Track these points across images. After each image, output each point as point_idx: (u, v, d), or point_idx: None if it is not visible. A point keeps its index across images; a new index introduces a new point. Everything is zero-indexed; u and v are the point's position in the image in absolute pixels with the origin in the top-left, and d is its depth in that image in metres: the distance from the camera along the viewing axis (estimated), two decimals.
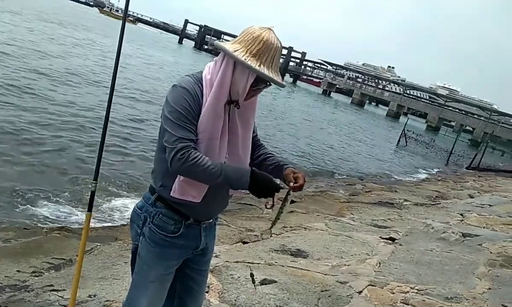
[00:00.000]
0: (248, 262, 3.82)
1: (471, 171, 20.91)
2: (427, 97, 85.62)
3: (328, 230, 5.49)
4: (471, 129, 62.81)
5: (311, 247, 4.60)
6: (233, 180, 1.59)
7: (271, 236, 4.94)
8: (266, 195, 1.63)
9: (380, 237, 5.29)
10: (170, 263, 1.75)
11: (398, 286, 3.57)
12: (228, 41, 1.71)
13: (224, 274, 3.44)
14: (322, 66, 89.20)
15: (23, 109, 8.64)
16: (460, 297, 3.48)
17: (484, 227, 6.36)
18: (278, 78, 1.59)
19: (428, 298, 3.40)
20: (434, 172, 17.63)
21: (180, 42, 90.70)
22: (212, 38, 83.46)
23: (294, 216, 6.18)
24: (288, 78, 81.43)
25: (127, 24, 2.14)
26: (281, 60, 1.65)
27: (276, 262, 3.92)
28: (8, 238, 4.14)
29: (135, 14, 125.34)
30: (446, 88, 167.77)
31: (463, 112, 70.07)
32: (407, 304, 3.29)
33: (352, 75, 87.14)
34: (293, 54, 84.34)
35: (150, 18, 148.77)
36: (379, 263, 4.17)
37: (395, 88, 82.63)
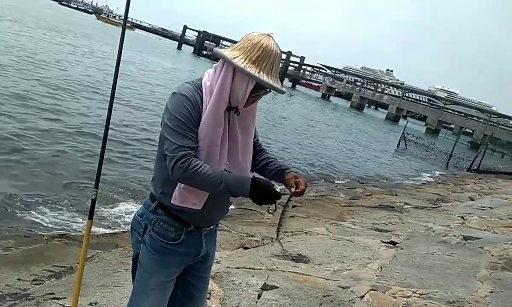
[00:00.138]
0: (249, 268, 3.81)
1: (471, 173, 20.92)
2: (426, 100, 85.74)
3: (329, 235, 5.48)
4: (470, 131, 62.88)
5: (312, 252, 4.59)
6: (233, 188, 1.58)
7: (272, 241, 4.93)
8: (267, 202, 1.62)
9: (381, 241, 5.28)
10: (171, 271, 1.75)
11: (400, 291, 3.55)
12: (228, 47, 1.71)
13: (225, 280, 3.43)
14: (321, 70, 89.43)
15: (24, 116, 8.64)
16: (462, 301, 3.47)
17: (485, 230, 6.35)
18: (278, 85, 1.59)
19: (430, 302, 3.39)
20: (434, 175, 17.63)
21: (179, 47, 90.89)
22: (211, 43, 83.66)
23: (294, 221, 6.17)
24: (287, 82, 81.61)
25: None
26: (280, 65, 1.65)
27: (277, 268, 3.90)
28: (8, 246, 4.13)
29: (133, 20, 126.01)
30: (445, 90, 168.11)
31: (462, 115, 70.18)
32: None
33: (351, 78, 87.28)
34: (292, 58, 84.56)
35: (149, 25, 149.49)
36: (381, 267, 4.15)
37: (394, 91, 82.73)
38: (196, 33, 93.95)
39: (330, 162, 14.26)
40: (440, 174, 18.39)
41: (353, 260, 4.44)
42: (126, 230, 4.93)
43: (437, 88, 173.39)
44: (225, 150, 1.67)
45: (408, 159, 20.93)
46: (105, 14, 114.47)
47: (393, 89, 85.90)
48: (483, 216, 7.51)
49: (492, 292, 3.75)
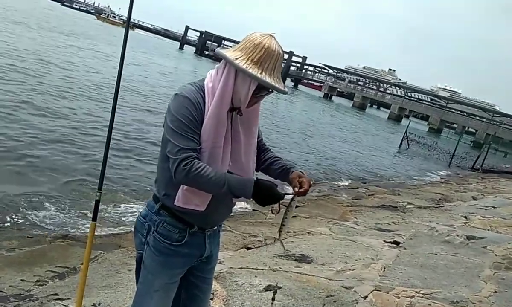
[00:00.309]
0: (252, 268, 3.81)
1: (474, 173, 20.86)
2: (429, 99, 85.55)
3: (332, 235, 5.48)
4: (473, 130, 62.72)
5: (315, 252, 4.59)
6: (236, 190, 1.58)
7: (275, 242, 4.92)
8: (270, 203, 1.62)
9: (384, 241, 5.27)
10: (174, 272, 1.75)
11: (403, 291, 3.54)
12: (230, 47, 1.70)
13: (228, 281, 3.43)
14: (323, 70, 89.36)
15: (28, 117, 8.68)
16: (466, 301, 3.46)
17: (488, 230, 6.33)
18: (280, 85, 1.58)
19: (434, 302, 3.38)
20: (437, 175, 17.59)
21: (181, 48, 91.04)
22: (213, 43, 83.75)
23: (297, 221, 6.16)
24: (289, 82, 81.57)
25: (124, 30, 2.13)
26: (282, 65, 1.65)
27: (280, 268, 3.90)
28: (12, 247, 4.15)
29: (135, 21, 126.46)
30: (447, 90, 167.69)
31: (465, 114, 70.01)
32: None
33: (353, 78, 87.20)
34: (294, 58, 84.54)
35: (151, 25, 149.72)
36: (384, 268, 4.14)
37: (397, 91, 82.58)
38: (198, 34, 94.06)
39: (332, 162, 14.25)
40: (442, 173, 18.35)
41: (356, 260, 4.43)
42: (129, 230, 4.94)
43: (440, 88, 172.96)
44: (228, 151, 1.66)
45: (410, 159, 20.88)
46: (105, 14, 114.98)
47: (395, 88, 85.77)
48: (486, 216, 7.48)
49: (495, 291, 3.74)
